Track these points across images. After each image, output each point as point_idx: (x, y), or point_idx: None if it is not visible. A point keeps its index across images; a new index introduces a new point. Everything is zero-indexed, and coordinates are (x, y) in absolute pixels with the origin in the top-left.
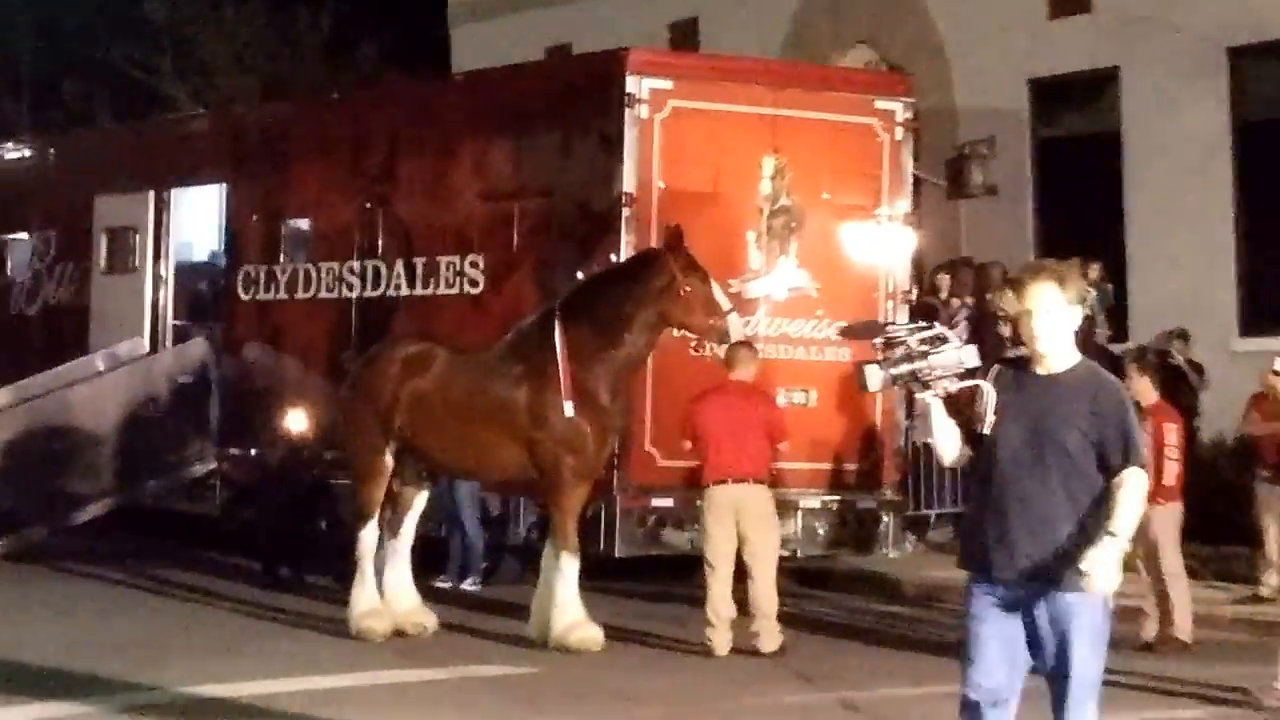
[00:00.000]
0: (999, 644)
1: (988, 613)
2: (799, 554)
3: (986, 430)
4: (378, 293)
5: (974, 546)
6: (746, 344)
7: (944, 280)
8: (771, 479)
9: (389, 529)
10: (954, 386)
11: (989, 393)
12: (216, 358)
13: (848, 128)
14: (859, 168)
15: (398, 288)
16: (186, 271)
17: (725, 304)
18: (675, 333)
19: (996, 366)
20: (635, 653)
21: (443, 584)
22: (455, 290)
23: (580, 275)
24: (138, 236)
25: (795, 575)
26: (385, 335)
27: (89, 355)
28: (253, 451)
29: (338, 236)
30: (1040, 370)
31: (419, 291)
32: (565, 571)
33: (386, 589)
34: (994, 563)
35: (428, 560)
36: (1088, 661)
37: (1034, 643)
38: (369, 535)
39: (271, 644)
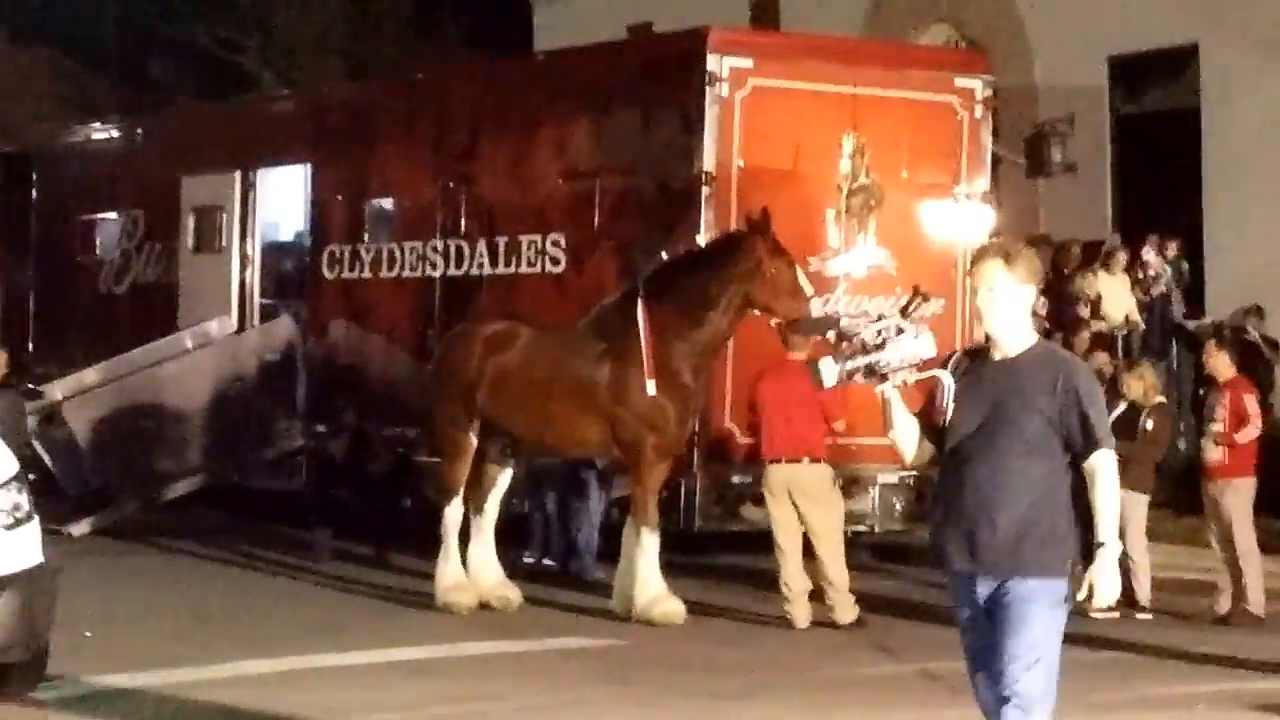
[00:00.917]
0: (986, 645)
1: (970, 612)
2: (876, 529)
3: (947, 421)
4: (461, 271)
5: (938, 538)
6: (798, 324)
7: None
8: (833, 456)
9: (473, 506)
10: (912, 378)
11: (948, 383)
12: (302, 336)
13: (927, 105)
14: (938, 146)
15: (480, 266)
16: (272, 251)
17: (809, 289)
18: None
19: (955, 354)
20: (718, 626)
21: (528, 559)
22: (537, 269)
23: (663, 254)
24: (225, 216)
25: (873, 550)
26: (468, 314)
27: (178, 333)
28: (338, 429)
29: (421, 216)
30: (997, 355)
31: (501, 270)
32: (646, 546)
33: (471, 564)
34: (957, 553)
35: (512, 536)
36: (1039, 645)
37: (997, 630)
38: (454, 512)
39: (357, 618)
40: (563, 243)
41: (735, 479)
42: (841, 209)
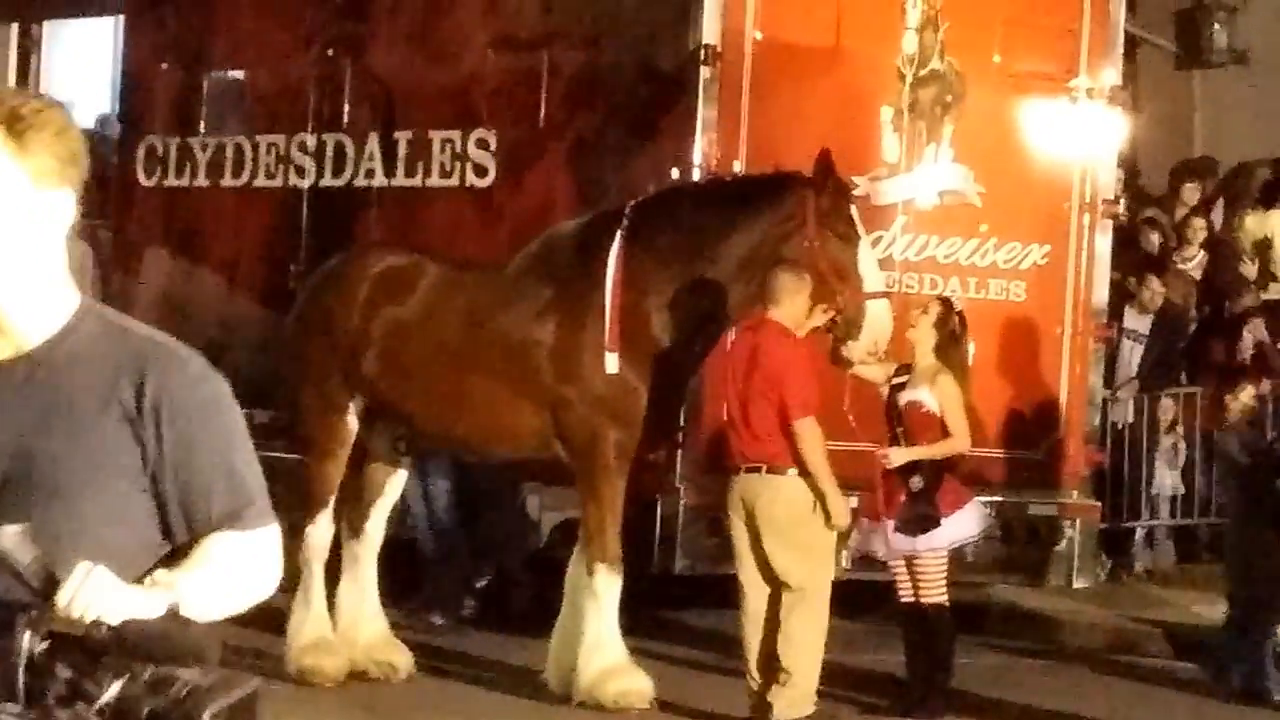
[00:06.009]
0: None
1: None
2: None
3: None
4: (340, 181)
5: None
6: (793, 269)
7: (1185, 190)
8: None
9: (348, 525)
10: None
11: None
12: (102, 271)
13: None
14: (1047, 19)
15: (370, 175)
16: None
17: (875, 280)
18: None
19: None
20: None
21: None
22: (454, 180)
23: (675, 172)
24: None
25: None
26: (350, 242)
27: None
28: None
29: (285, 98)
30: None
31: (400, 181)
32: (601, 594)
33: (341, 611)
34: None
35: (401, 573)
36: None
37: None
38: (319, 533)
39: None
40: (492, 143)
41: None
42: (903, 106)
